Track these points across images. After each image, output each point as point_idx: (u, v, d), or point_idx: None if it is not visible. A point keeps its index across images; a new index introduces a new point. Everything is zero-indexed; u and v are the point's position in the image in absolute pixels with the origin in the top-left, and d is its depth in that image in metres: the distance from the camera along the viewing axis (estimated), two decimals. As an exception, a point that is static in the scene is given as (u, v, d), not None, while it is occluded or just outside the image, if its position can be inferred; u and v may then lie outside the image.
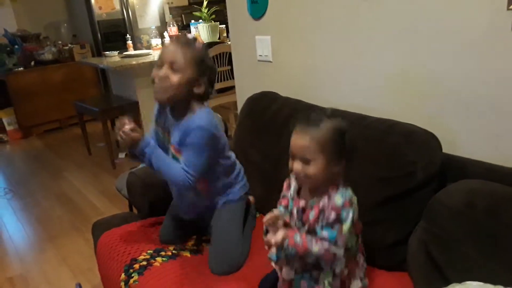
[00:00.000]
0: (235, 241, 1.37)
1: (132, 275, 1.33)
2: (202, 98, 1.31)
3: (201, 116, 1.27)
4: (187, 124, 1.27)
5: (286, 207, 1.10)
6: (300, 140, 0.97)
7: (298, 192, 1.07)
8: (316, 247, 0.95)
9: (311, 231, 1.00)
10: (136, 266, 1.36)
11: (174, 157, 1.32)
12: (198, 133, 1.24)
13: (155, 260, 1.38)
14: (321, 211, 0.98)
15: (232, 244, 1.36)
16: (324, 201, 0.98)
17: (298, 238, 0.96)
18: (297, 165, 0.98)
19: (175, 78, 1.22)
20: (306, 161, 0.96)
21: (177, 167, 1.27)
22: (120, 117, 1.25)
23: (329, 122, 0.97)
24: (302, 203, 1.03)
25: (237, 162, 1.53)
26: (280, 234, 0.95)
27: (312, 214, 1.00)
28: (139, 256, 1.41)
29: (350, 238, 0.99)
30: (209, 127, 1.27)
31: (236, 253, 1.34)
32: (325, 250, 0.96)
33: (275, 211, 1.00)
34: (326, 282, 1.02)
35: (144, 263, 1.37)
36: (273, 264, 1.09)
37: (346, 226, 0.95)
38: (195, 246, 1.48)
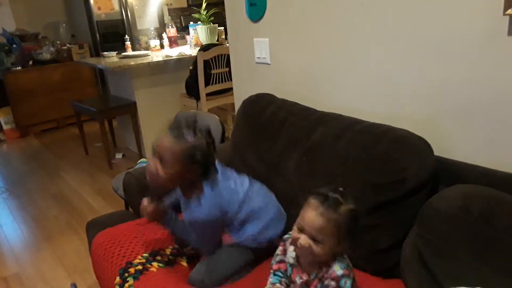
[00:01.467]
0: (224, 268, 1.33)
1: (128, 279, 1.32)
2: (203, 174, 1.29)
3: (200, 207, 1.26)
4: (190, 211, 1.29)
5: (285, 271, 1.09)
6: (316, 219, 0.95)
7: (297, 259, 1.08)
8: None
9: None
10: (132, 270, 1.34)
11: None
12: (200, 225, 1.29)
13: (151, 265, 1.36)
14: (320, 280, 1.01)
15: (219, 267, 1.33)
16: (323, 271, 1.01)
17: None
18: (304, 240, 0.97)
19: (162, 172, 1.23)
20: (316, 240, 0.96)
21: (194, 239, 1.36)
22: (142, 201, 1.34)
23: (346, 206, 0.97)
24: (305, 276, 1.05)
25: (271, 210, 1.41)
26: None
27: (313, 285, 1.03)
28: (134, 259, 1.39)
29: None
30: (208, 216, 1.27)
31: (216, 277, 1.30)
32: None
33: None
34: None
35: (140, 267, 1.35)
36: None
37: None
38: (192, 250, 1.46)
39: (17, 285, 2.15)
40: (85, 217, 2.71)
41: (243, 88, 2.12)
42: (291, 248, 1.10)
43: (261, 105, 1.71)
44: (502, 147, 1.18)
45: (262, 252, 1.35)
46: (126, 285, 1.31)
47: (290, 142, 1.52)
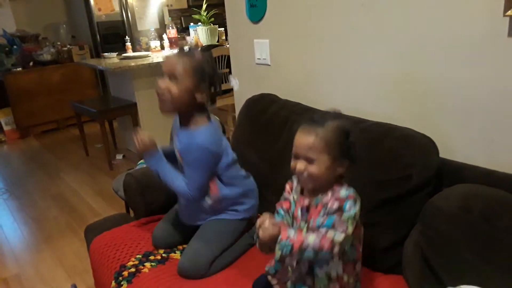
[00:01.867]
0: (209, 248, 1.34)
1: (122, 283, 1.32)
2: (209, 102, 1.33)
3: (202, 134, 1.29)
4: (190, 137, 1.30)
5: (288, 210, 1.08)
6: (305, 138, 0.96)
7: (302, 192, 1.05)
8: (311, 236, 0.91)
9: (312, 229, 0.98)
10: (125, 273, 1.34)
11: (179, 161, 1.36)
12: (198, 152, 1.27)
13: (143, 266, 1.36)
14: (324, 205, 0.96)
15: (204, 249, 1.34)
16: (327, 196, 0.97)
17: (292, 232, 0.93)
18: (300, 165, 0.97)
19: (174, 88, 1.24)
20: (310, 160, 0.95)
21: (180, 181, 1.32)
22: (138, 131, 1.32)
23: (334, 122, 0.97)
24: (306, 201, 1.01)
25: (251, 183, 1.50)
26: (272, 228, 0.93)
27: (316, 212, 0.99)
28: (128, 262, 1.39)
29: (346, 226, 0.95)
30: (209, 145, 1.29)
31: (204, 259, 1.31)
32: (322, 237, 0.91)
33: (266, 214, 0.98)
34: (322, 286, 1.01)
35: (133, 269, 1.35)
36: (269, 278, 1.07)
37: (346, 215, 0.92)
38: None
39: (17, 286, 2.14)
40: (86, 218, 2.71)
41: (244, 89, 2.12)
42: (295, 184, 1.07)
43: (264, 104, 1.72)
44: (502, 148, 1.18)
45: (241, 228, 1.42)
46: None
47: (291, 141, 1.51)
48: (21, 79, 4.59)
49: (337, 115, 1.00)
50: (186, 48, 1.31)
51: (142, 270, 1.34)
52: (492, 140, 1.19)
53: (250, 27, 1.94)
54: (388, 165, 1.21)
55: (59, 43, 5.09)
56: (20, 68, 4.64)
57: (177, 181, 1.32)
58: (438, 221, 1.06)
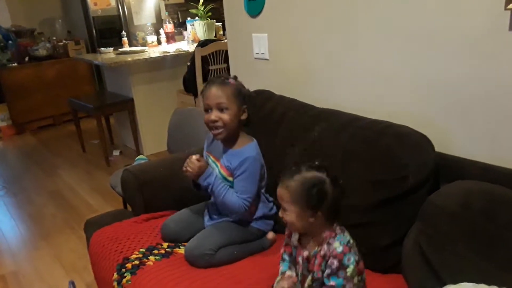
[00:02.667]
0: (218, 234, 1.40)
1: (125, 274, 1.32)
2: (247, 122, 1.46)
3: (251, 148, 1.43)
4: (240, 152, 1.41)
5: (291, 254, 1.14)
6: (279, 189, 1.04)
7: (300, 240, 1.11)
8: None
9: (317, 279, 1.03)
10: (129, 265, 1.34)
11: (223, 176, 1.43)
12: (252, 163, 1.39)
13: (148, 259, 1.36)
14: (323, 258, 1.02)
15: (213, 234, 1.40)
16: (324, 249, 1.02)
17: None
18: (280, 212, 1.06)
19: (225, 116, 1.37)
20: (284, 209, 1.04)
21: (233, 195, 1.38)
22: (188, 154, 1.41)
23: (304, 174, 1.02)
24: (305, 253, 1.07)
25: (274, 208, 1.54)
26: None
27: (316, 263, 1.03)
28: (131, 255, 1.39)
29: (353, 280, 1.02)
30: (259, 157, 1.44)
31: (212, 241, 1.36)
32: None
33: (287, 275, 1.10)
34: None
35: (137, 262, 1.35)
36: None
37: (350, 270, 0.98)
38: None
39: (15, 283, 2.14)
40: (83, 215, 2.70)
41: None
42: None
43: (260, 101, 1.71)
44: (503, 143, 1.18)
45: (254, 235, 1.46)
46: (124, 280, 1.31)
47: (288, 137, 1.52)
48: (16, 75, 4.56)
49: (315, 167, 1.04)
50: (220, 77, 1.43)
51: (146, 263, 1.34)
52: (493, 134, 1.19)
53: (248, 21, 1.93)
54: (384, 165, 1.21)
55: (54, 38, 5.06)
56: (15, 64, 4.61)
57: (231, 196, 1.38)
58: (437, 219, 1.06)
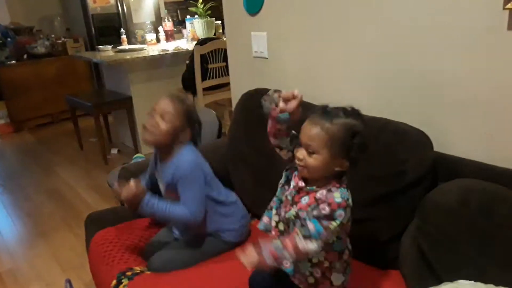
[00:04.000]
0: (184, 256, 1.40)
1: (122, 280, 1.32)
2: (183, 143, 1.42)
3: (185, 153, 1.39)
4: (174, 162, 1.38)
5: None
6: (309, 129, 0.95)
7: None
8: (287, 254, 0.93)
9: (297, 218, 0.98)
10: (129, 273, 1.35)
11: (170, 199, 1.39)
12: (186, 166, 1.36)
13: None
14: (316, 201, 0.96)
15: (179, 256, 1.40)
16: (322, 193, 0.95)
17: (270, 259, 0.94)
18: (300, 153, 0.97)
19: (164, 126, 1.35)
20: (310, 151, 0.95)
21: (178, 209, 1.34)
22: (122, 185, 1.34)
23: (343, 119, 0.95)
24: (301, 183, 1.01)
25: (239, 207, 1.53)
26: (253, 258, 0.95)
27: (305, 199, 0.98)
28: (136, 266, 1.40)
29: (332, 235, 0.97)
30: (194, 158, 1.40)
31: (174, 266, 1.36)
32: (298, 251, 0.93)
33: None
34: (307, 272, 1.03)
35: (138, 271, 1.37)
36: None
37: (334, 224, 0.92)
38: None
39: (12, 281, 2.14)
40: (80, 213, 2.70)
41: (241, 82, 2.11)
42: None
43: (259, 99, 1.70)
44: (501, 142, 1.18)
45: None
46: (121, 286, 1.31)
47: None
48: (15, 72, 4.56)
49: (353, 113, 0.98)
50: (180, 95, 1.47)
51: (145, 271, 1.37)
52: (491, 134, 1.20)
53: (247, 19, 1.93)
54: (383, 161, 1.22)
55: (53, 36, 5.05)
56: (14, 61, 4.60)
57: (176, 211, 1.35)
58: (435, 216, 1.06)
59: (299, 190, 1.01)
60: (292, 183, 1.04)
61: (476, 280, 0.91)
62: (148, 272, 1.36)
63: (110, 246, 1.49)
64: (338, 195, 0.94)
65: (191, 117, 1.41)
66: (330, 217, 0.92)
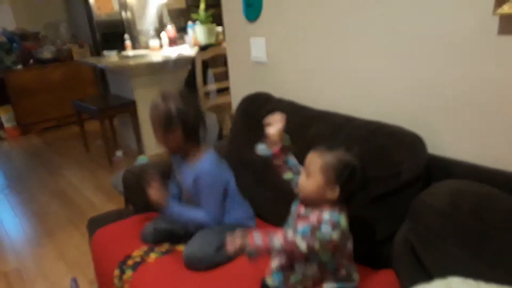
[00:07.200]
0: (215, 235, 1.40)
1: (126, 271, 1.34)
2: (194, 142, 1.46)
3: (205, 162, 1.43)
4: (195, 170, 1.42)
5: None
6: (310, 155, 1.09)
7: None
8: (277, 241, 1.02)
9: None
10: (130, 262, 1.37)
11: (189, 199, 1.47)
12: (206, 178, 1.40)
13: (149, 256, 1.39)
14: (309, 219, 1.06)
15: (210, 236, 1.40)
16: (315, 213, 1.06)
17: (259, 238, 1.04)
18: (302, 176, 1.11)
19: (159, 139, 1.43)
20: (308, 174, 1.08)
21: (199, 215, 1.42)
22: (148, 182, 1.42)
23: (342, 153, 1.06)
24: (302, 210, 1.11)
25: (237, 194, 1.56)
26: (238, 240, 1.05)
27: (302, 223, 1.07)
28: (133, 252, 1.42)
29: (323, 253, 1.06)
30: (213, 168, 1.43)
31: (211, 242, 1.36)
32: (286, 243, 1.02)
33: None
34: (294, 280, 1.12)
35: (138, 259, 1.38)
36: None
37: (320, 235, 1.01)
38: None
39: (18, 280, 2.16)
40: (86, 213, 2.74)
41: (240, 87, 2.14)
42: None
43: (259, 103, 1.74)
44: (492, 144, 1.19)
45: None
46: (125, 276, 1.33)
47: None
48: (21, 77, 4.61)
49: (354, 151, 1.09)
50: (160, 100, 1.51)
51: (147, 260, 1.37)
52: (482, 136, 1.21)
53: (246, 26, 1.96)
54: (378, 163, 1.23)
55: (59, 41, 5.10)
56: (20, 66, 4.65)
57: (196, 216, 1.42)
58: (426, 216, 1.07)
59: (298, 215, 1.12)
60: (293, 209, 1.16)
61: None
62: (151, 261, 1.36)
63: (109, 240, 1.53)
64: (327, 213, 1.04)
65: (170, 119, 1.40)
66: (316, 226, 1.02)
